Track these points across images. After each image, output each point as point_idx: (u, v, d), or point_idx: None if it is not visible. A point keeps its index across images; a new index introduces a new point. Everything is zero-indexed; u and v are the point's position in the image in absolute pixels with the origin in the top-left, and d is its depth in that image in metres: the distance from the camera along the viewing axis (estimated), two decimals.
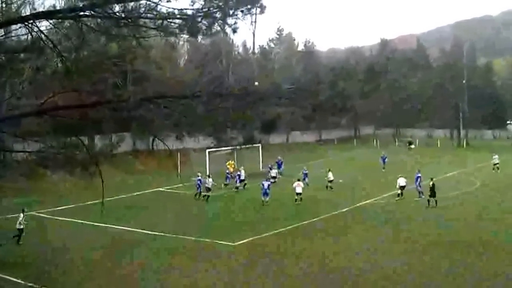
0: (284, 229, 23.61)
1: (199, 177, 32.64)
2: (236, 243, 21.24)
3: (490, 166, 43.44)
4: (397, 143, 73.72)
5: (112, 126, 15.86)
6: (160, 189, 35.65)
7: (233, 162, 42.21)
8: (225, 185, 36.54)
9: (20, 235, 21.22)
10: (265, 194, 29.49)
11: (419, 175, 31.62)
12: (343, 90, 72.21)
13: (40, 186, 28.17)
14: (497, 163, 42.86)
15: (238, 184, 35.32)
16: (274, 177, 38.45)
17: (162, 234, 22.83)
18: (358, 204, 29.49)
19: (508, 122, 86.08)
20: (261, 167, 45.00)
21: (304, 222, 25.05)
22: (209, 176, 33.51)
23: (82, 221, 24.81)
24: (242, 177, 35.62)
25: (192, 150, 43.71)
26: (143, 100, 11.77)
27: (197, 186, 32.24)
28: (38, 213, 26.99)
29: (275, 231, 23.26)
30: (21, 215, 21.77)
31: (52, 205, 28.16)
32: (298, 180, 31.18)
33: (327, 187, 34.42)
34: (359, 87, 76.66)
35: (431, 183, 28.54)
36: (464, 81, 72.57)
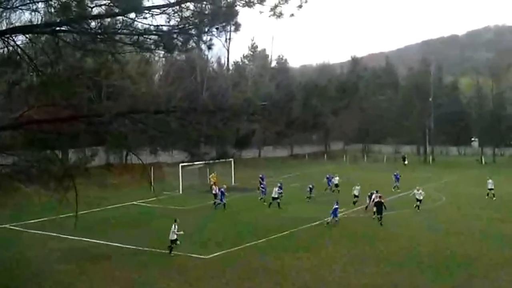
0: (255, 243, 23.84)
1: (223, 189, 33.96)
2: (208, 256, 21.39)
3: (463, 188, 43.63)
4: (365, 159, 75.50)
5: (87, 140, 15.94)
6: (134, 202, 35.51)
7: (215, 174, 42.54)
8: (261, 199, 35.88)
9: (172, 247, 21.54)
10: (334, 214, 28.04)
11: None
12: (315, 107, 73.67)
13: (14, 200, 27.81)
14: (492, 188, 37.55)
15: (275, 196, 33.91)
16: (336, 185, 40.48)
17: (135, 247, 22.79)
18: (328, 218, 29.99)
19: (472, 139, 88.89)
20: (233, 182, 45.27)
21: (275, 236, 25.36)
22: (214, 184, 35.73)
23: (56, 234, 24.63)
24: (275, 195, 33.96)
25: (166, 164, 43.74)
26: (118, 115, 11.96)
27: (220, 197, 33.59)
28: (12, 226, 26.82)
29: (248, 245, 23.49)
30: (174, 225, 21.90)
31: (25, 218, 27.86)
32: (377, 191, 30.78)
33: (354, 203, 33.97)
34: (331, 104, 78.19)
35: (376, 200, 29.16)
36: (430, 99, 74.93)
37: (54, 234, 24.77)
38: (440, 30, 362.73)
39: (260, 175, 42.67)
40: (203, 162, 43.62)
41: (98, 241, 23.79)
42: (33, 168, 12.70)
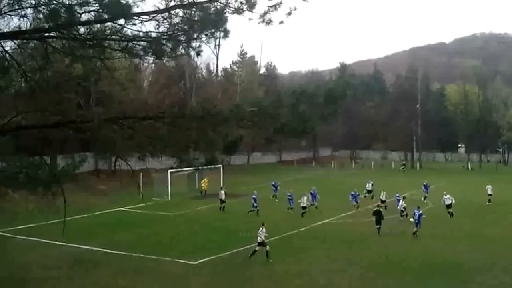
0: (243, 249, 23.78)
1: (254, 196, 33.65)
2: (197, 262, 21.36)
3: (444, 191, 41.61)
4: (353, 165, 76.03)
5: (75, 146, 15.86)
6: (122, 208, 35.35)
7: (207, 179, 42.54)
8: (289, 208, 34.28)
9: (255, 251, 21.46)
10: (417, 224, 26.69)
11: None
12: (303, 113, 73.86)
13: (1, 205, 27.54)
14: (491, 194, 37.09)
15: (305, 205, 32.82)
16: (369, 191, 40.14)
17: (123, 253, 22.70)
18: (316, 224, 30.13)
19: (459, 145, 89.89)
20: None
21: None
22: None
23: (44, 240, 24.51)
24: (304, 204, 32.93)
25: (154, 170, 43.59)
26: (106, 121, 11.96)
27: (253, 203, 33.29)
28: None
29: (236, 250, 23.46)
30: (262, 228, 21.89)
31: (13, 224, 27.59)
32: (404, 197, 30.92)
33: (378, 206, 33.00)
34: (319, 111, 78.51)
35: (375, 209, 28.30)
36: (418, 106, 75.70)
37: (42, 240, 24.64)
38: (428, 38, 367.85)
39: (273, 182, 42.14)
40: (192, 168, 43.79)
41: (86, 247, 23.67)
42: (21, 173, 12.63)
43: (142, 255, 22.27)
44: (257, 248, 21.55)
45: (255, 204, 33.30)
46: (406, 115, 76.31)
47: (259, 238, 21.69)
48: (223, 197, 35.18)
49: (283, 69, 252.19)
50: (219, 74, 76.48)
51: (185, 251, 23.18)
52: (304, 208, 32.54)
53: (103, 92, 41.78)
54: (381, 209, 28.42)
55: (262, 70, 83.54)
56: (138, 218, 32.51)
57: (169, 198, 39.88)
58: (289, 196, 34.88)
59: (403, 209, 30.82)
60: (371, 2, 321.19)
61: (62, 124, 12.49)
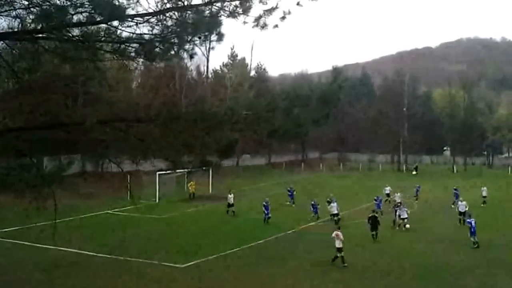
0: (231, 251, 23.73)
1: (265, 203, 32.11)
2: (183, 265, 21.21)
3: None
4: (341, 167, 76.32)
5: (63, 148, 15.66)
6: (108, 211, 35.00)
7: (194, 182, 42.30)
8: (316, 218, 32.42)
9: (338, 256, 21.17)
10: (473, 233, 24.67)
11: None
12: (298, 117, 73.57)
13: None
14: (485, 196, 36.72)
15: (335, 212, 31.26)
16: (388, 195, 38.96)
17: (109, 256, 22.43)
18: (303, 226, 30.15)
19: (444, 148, 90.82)
20: (210, 190, 45.06)
21: (252, 244, 25.40)
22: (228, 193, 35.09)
23: (29, 243, 24.19)
24: (336, 211, 31.36)
25: (143, 172, 43.29)
26: (98, 123, 11.81)
27: (266, 211, 31.75)
28: None
29: (223, 253, 23.32)
30: (337, 232, 21.54)
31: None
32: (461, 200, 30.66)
33: (374, 211, 32.62)
34: (312, 114, 78.52)
35: (370, 214, 27.44)
36: (404, 109, 76.36)
37: (27, 243, 24.29)
38: (414, 42, 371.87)
39: (288, 188, 41.09)
40: (181, 170, 43.64)
41: (71, 250, 23.36)
42: (8, 176, 12.44)
43: (128, 258, 21.90)
44: (338, 254, 21.20)
45: (266, 212, 31.69)
46: (393, 118, 76.89)
47: (337, 243, 21.28)
48: (231, 200, 34.51)
49: (273, 71, 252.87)
50: (209, 76, 76.14)
51: (172, 253, 23.02)
52: (333, 215, 31.29)
53: (92, 93, 41.33)
54: (377, 215, 27.73)
55: (252, 73, 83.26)
56: (124, 221, 32.11)
57: (157, 200, 39.58)
58: (313, 204, 33.36)
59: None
60: (359, 7, 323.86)
61: (51, 126, 12.31)
